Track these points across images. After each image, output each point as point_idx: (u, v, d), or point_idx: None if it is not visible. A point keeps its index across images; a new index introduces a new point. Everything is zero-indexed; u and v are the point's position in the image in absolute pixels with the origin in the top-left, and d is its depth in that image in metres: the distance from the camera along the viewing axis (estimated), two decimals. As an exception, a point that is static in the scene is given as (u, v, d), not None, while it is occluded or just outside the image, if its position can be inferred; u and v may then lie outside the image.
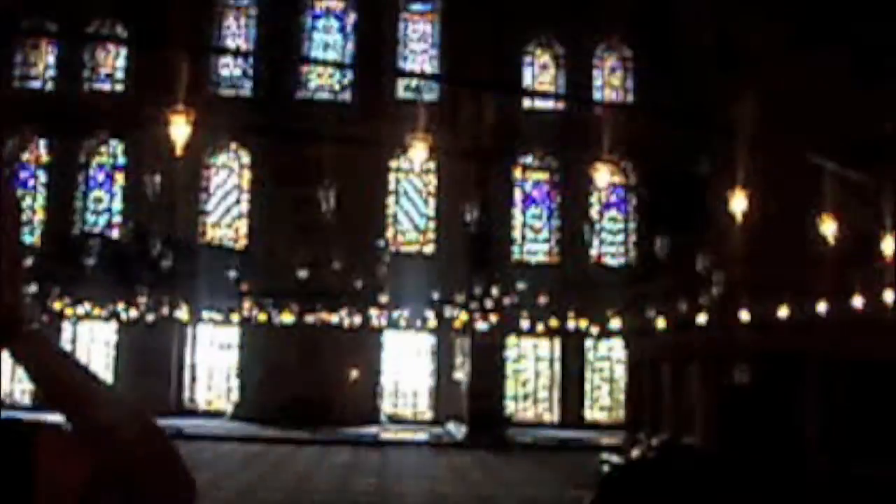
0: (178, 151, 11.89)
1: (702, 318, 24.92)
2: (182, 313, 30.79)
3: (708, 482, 2.21)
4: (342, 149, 31.80)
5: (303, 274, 28.54)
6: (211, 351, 34.85)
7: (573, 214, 34.95)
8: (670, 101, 30.33)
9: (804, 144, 19.24)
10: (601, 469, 21.18)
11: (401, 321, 31.96)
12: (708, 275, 24.07)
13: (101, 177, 35.27)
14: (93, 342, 34.32)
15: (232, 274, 29.76)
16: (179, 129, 11.77)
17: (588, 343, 34.98)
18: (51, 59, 35.66)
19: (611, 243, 35.86)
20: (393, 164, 34.67)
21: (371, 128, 31.78)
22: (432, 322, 31.85)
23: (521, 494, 18.49)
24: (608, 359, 35.44)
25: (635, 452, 21.28)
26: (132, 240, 29.66)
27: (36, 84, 35.60)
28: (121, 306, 30.36)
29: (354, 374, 33.20)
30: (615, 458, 21.82)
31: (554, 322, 31.78)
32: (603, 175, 15.08)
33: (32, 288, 26.61)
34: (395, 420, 33.70)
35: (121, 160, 34.98)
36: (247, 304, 30.74)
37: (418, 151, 12.63)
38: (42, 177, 35.09)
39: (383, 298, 30.29)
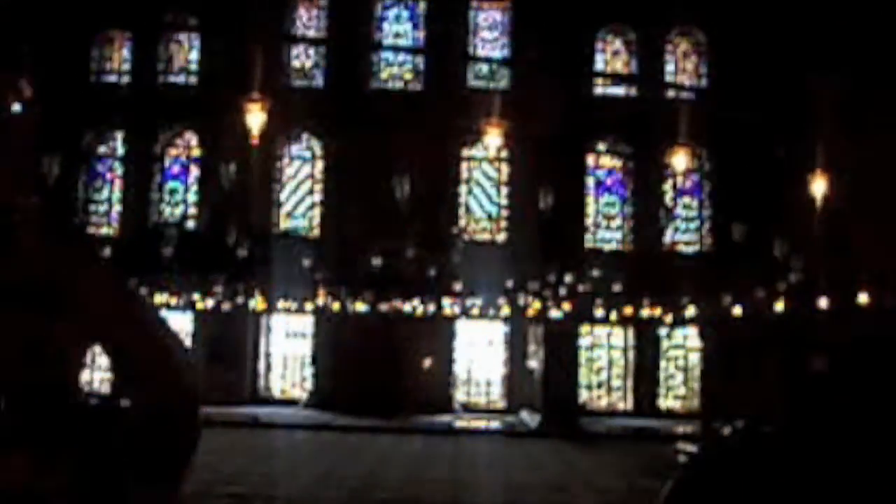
0: (254, 139, 11.97)
1: (779, 306, 24.52)
2: (257, 302, 31.06)
3: (791, 470, 2.12)
4: (414, 138, 31.91)
5: (376, 262, 28.65)
6: (285, 340, 35.16)
7: (646, 202, 34.65)
8: (745, 86, 29.86)
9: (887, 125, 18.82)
10: (677, 458, 20.97)
11: (474, 310, 31.92)
12: (785, 261, 23.68)
13: (176, 168, 35.69)
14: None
15: (306, 263, 29.92)
16: (255, 118, 11.85)
17: (662, 331, 34.66)
18: (126, 54, 36.15)
19: (685, 231, 35.42)
20: (465, 152, 34.65)
21: (442, 117, 31.82)
22: (505, 310, 31.74)
23: (596, 483, 18.36)
24: (683, 347, 35.08)
25: (723, 433, 20.99)
26: (208, 229, 29.97)
27: (112, 78, 36.14)
28: (197, 296, 30.70)
29: (428, 362, 33.27)
30: (690, 448, 21.60)
31: (628, 310, 31.50)
32: (680, 159, 14.83)
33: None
34: (469, 409, 33.70)
35: (196, 152, 35.35)
36: (321, 293, 30.89)
37: (493, 137, 12.53)
38: (118, 169, 35.63)
39: (457, 287, 30.28)
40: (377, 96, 34.53)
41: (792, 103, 26.79)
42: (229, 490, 15.48)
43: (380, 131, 31.94)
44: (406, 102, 33.95)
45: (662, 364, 35.12)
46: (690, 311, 31.30)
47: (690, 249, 35.15)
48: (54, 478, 1.69)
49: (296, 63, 35.57)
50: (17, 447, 1.73)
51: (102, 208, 35.46)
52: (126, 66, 35.99)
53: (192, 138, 35.41)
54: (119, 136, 35.61)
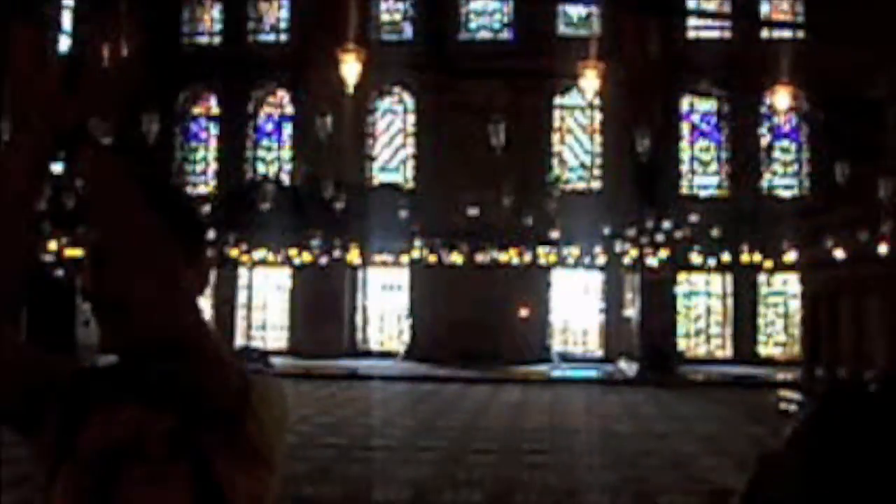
0: (349, 89, 11.94)
1: (883, 249, 23.86)
2: (353, 256, 31.31)
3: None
4: (506, 88, 31.72)
5: (473, 213, 28.61)
6: (382, 293, 35.46)
7: (743, 146, 34.00)
8: (843, 22, 28.96)
9: None
10: (778, 406, 20.67)
11: (570, 259, 31.75)
12: (890, 203, 23.01)
13: (269, 126, 36.12)
14: (268, 287, 35.39)
15: (403, 214, 29.99)
16: (350, 68, 11.80)
17: (761, 277, 34.09)
18: (216, 14, 36.57)
19: (783, 174, 34.71)
20: (557, 101, 34.38)
21: (533, 65, 31.53)
22: (601, 258, 31.50)
23: (697, 431, 18.19)
24: (782, 293, 34.50)
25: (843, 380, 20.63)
26: (305, 184, 30.20)
27: (203, 39, 36.62)
28: (293, 251, 31.06)
29: (524, 312, 33.27)
30: (795, 395, 21.28)
31: (726, 256, 31.02)
32: (782, 97, 14.38)
33: (210, 236, 27.42)
34: (566, 358, 33.64)
35: (288, 109, 35.70)
36: (417, 246, 31.00)
37: (588, 82, 12.30)
38: (213, 129, 36.19)
39: (553, 235, 30.11)
40: (467, 47, 34.38)
41: (893, 39, 25.92)
42: (330, 441, 15.72)
43: (470, 82, 31.80)
44: (496, 52, 33.72)
45: (762, 311, 34.61)
46: (790, 256, 30.67)
47: (789, 193, 34.44)
48: (161, 424, 1.85)
49: (385, 17, 35.58)
50: (131, 399, 1.91)
51: (199, 167, 36.09)
52: (217, 27, 36.45)
53: (284, 95, 35.76)
54: (213, 96, 36.15)
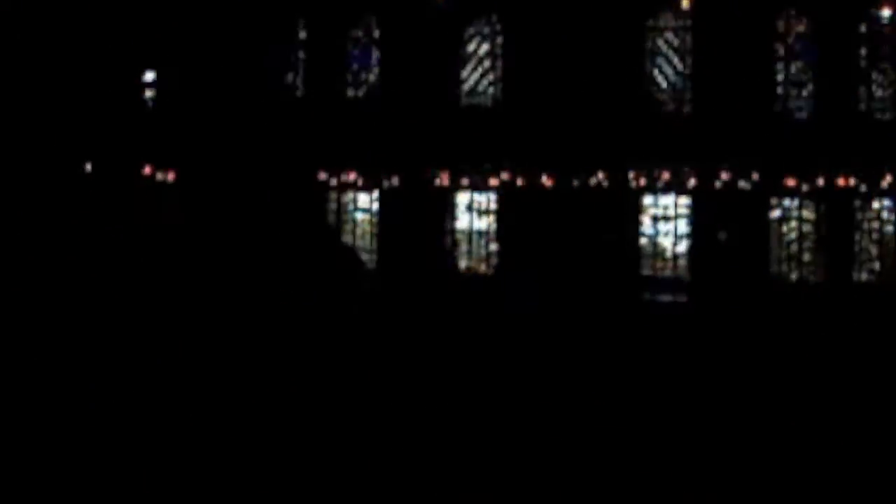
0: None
1: None
2: (442, 180, 31.38)
3: None
4: (594, 9, 31.28)
5: (562, 137, 28.43)
6: (470, 216, 35.52)
7: (838, 66, 33.08)
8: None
9: None
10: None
11: (660, 182, 31.41)
12: None
13: (357, 51, 36.11)
14: (356, 211, 35.62)
15: (490, 139, 29.91)
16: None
17: (856, 202, 33.34)
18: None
19: (880, 98, 33.66)
20: (647, 22, 33.80)
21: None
22: (692, 182, 31.12)
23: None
24: (878, 219, 33.72)
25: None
26: (393, 109, 30.18)
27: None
28: (382, 175, 31.23)
29: (611, 236, 33.09)
30: None
31: (820, 180, 30.44)
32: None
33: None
34: (656, 284, 33.36)
35: (376, 33, 35.65)
36: (505, 169, 30.91)
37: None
38: (301, 55, 36.30)
39: (650, 158, 29.75)
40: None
41: None
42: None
43: (558, 3, 31.40)
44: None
45: (856, 237, 33.92)
46: (887, 180, 30.04)
47: (887, 115, 33.49)
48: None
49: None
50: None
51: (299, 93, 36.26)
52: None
53: (371, 19, 35.68)
54: (301, 23, 36.25)
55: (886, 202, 32.60)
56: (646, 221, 34.21)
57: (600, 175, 30.75)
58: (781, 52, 33.86)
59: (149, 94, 33.55)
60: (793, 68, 33.93)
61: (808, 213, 34.11)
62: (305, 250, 18.18)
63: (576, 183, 30.76)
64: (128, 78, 31.22)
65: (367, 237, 35.57)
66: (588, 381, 14.20)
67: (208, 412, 10.26)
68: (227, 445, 9.12)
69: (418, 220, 33.64)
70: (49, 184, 25.49)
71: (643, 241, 34.21)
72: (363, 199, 35.07)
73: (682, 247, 34.44)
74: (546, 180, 30.77)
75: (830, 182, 30.14)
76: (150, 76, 33.31)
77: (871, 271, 33.80)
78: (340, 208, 35.62)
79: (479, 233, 35.19)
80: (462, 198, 35.10)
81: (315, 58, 35.68)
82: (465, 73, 35.01)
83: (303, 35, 36.19)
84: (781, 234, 33.93)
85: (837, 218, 33.58)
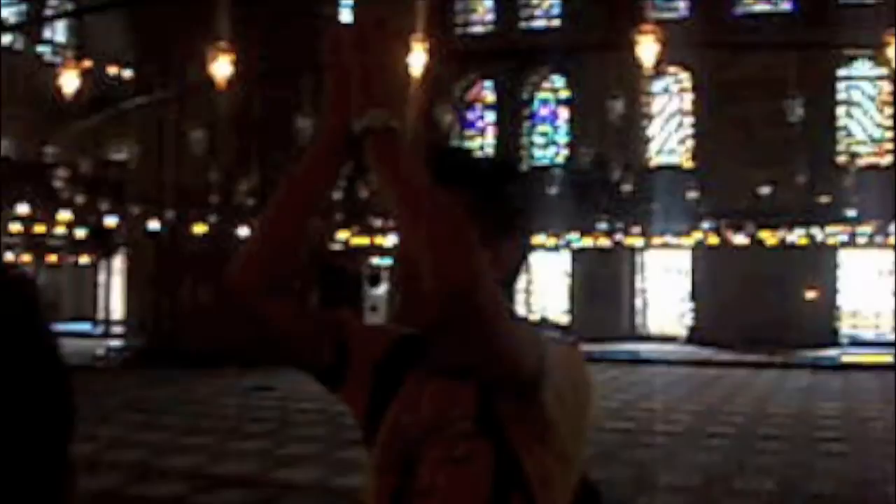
0: (647, 65, 11.76)
1: None
2: (635, 239, 31.20)
3: None
4: (786, 60, 30.51)
5: (764, 191, 27.73)
6: (662, 275, 35.12)
7: None
8: None
9: None
10: None
11: (860, 238, 30.23)
12: None
13: (544, 112, 36.49)
14: (548, 272, 35.60)
15: (690, 195, 29.43)
16: (648, 48, 11.67)
17: None
18: (489, 4, 37.24)
19: None
20: (841, 72, 32.83)
21: (816, 36, 30.17)
22: (894, 238, 29.78)
23: None
24: None
25: None
26: (591, 168, 30.08)
27: (477, 29, 37.34)
28: (574, 235, 31.22)
29: (811, 294, 32.01)
30: None
31: None
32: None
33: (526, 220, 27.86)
34: (856, 342, 32.11)
35: (563, 94, 35.94)
36: (702, 227, 30.33)
37: (891, 49, 11.52)
38: (489, 117, 36.97)
39: (849, 213, 28.60)
40: (745, 20, 33.31)
41: None
42: (615, 425, 15.67)
43: (752, 56, 30.79)
44: (775, 24, 32.47)
45: None
46: None
47: None
48: (466, 399, 1.85)
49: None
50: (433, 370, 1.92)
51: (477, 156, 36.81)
52: (490, 17, 37.11)
53: (558, 80, 36.00)
54: (487, 84, 36.89)
55: None
56: (844, 278, 33.03)
57: (798, 231, 29.81)
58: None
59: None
60: None
61: None
62: None
63: (775, 240, 29.92)
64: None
65: (560, 298, 35.44)
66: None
67: None
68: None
69: (609, 279, 33.51)
70: None
71: (841, 298, 33.00)
72: (553, 259, 34.93)
73: (885, 304, 32.96)
74: (740, 238, 30.04)
75: None
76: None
77: None
78: (531, 268, 35.76)
79: (671, 292, 34.74)
80: (653, 257, 34.82)
81: (503, 119, 36.24)
82: (653, 131, 34.85)
83: (490, 97, 36.86)
84: None
85: None
